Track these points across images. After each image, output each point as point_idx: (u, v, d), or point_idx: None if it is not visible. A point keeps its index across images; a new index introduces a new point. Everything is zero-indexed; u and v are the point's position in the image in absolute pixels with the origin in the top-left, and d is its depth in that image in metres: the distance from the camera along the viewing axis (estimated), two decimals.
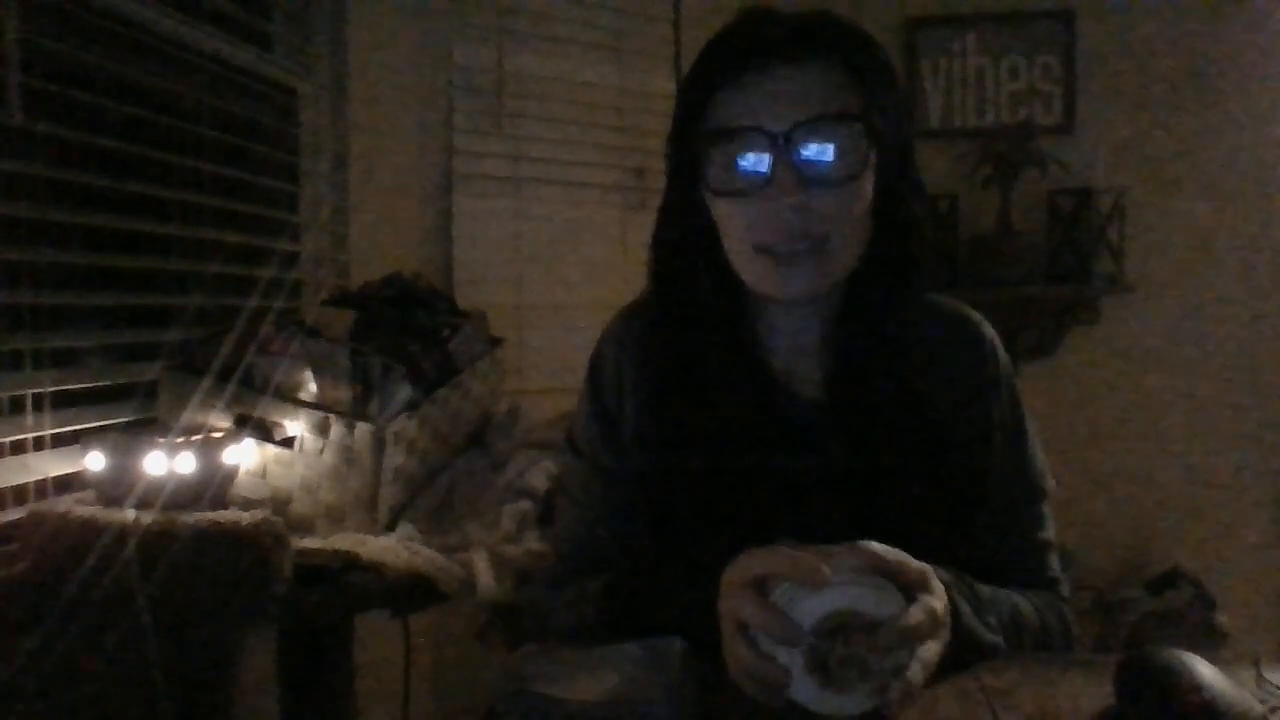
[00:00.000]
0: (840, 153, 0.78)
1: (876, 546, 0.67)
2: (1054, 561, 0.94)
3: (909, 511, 0.83)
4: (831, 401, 0.87)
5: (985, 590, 0.81)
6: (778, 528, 0.76)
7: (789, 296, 0.82)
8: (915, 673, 0.65)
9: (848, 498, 0.83)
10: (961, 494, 0.86)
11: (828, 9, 0.82)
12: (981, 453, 0.88)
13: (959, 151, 2.60)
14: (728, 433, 0.85)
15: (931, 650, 0.66)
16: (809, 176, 0.77)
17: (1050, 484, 0.94)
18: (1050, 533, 0.93)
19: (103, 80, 1.20)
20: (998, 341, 0.92)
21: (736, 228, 0.82)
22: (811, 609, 0.64)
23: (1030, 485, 0.93)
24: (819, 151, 0.78)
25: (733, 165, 0.80)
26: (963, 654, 0.74)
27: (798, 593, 0.65)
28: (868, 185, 0.81)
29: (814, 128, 0.77)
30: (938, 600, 0.68)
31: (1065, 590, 0.93)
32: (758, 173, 0.79)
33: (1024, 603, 0.86)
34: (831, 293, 0.85)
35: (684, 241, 0.87)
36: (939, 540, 0.80)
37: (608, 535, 0.93)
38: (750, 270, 0.83)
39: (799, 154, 0.77)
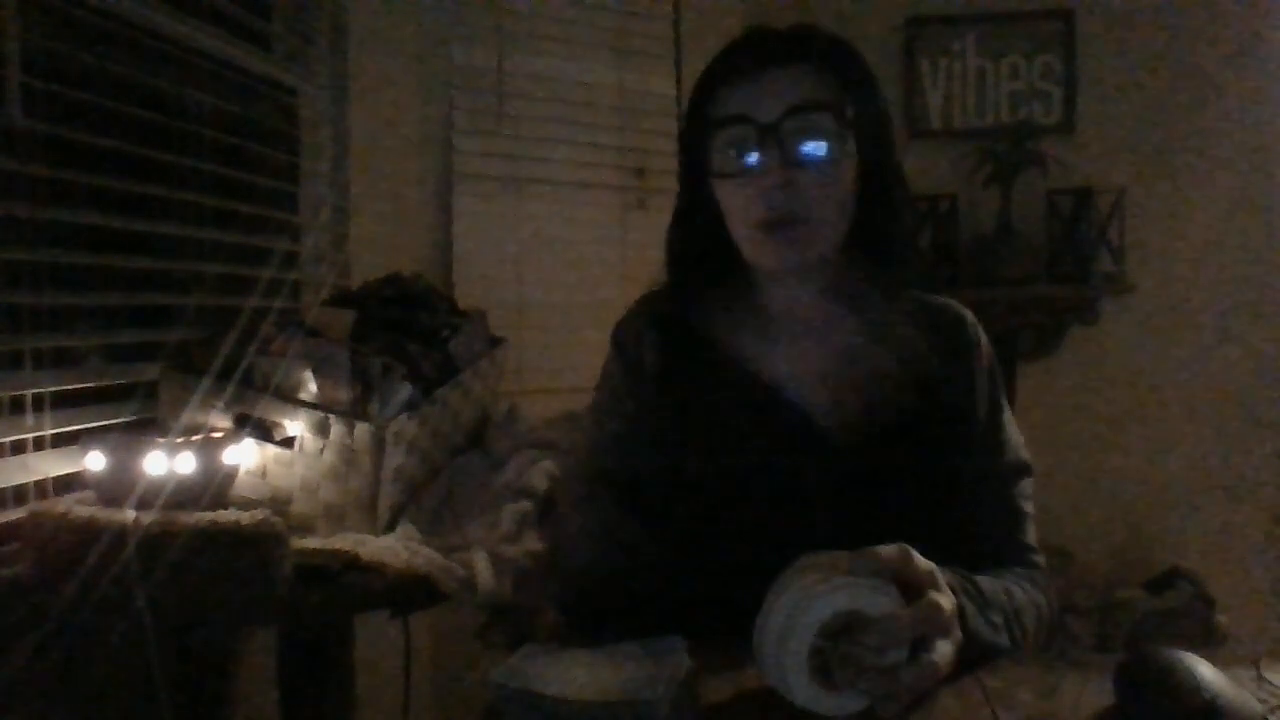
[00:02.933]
0: (821, 138, 0.89)
1: (884, 549, 0.69)
2: (1032, 532, 0.98)
3: (897, 466, 0.90)
4: (823, 369, 0.94)
5: (987, 586, 0.82)
6: (779, 475, 0.89)
7: (779, 267, 0.92)
8: (927, 671, 0.65)
9: (840, 453, 0.90)
10: (946, 453, 0.92)
11: (813, 23, 0.94)
12: (964, 422, 0.95)
13: (959, 151, 2.60)
14: (732, 393, 0.94)
15: (944, 651, 0.67)
16: (794, 160, 0.88)
17: (1027, 458, 0.99)
18: (1028, 505, 0.98)
19: (103, 80, 1.20)
20: (980, 327, 1.00)
21: (736, 207, 0.92)
22: (818, 609, 0.64)
23: (1008, 460, 0.97)
24: (804, 139, 0.88)
25: (731, 151, 0.91)
26: (968, 655, 0.74)
27: (806, 595, 0.65)
28: (848, 169, 0.91)
29: (798, 118, 0.88)
30: (944, 598, 0.69)
31: (1041, 560, 0.97)
32: (751, 157, 0.89)
33: (1018, 590, 0.89)
34: (819, 268, 0.94)
35: (696, 227, 0.97)
36: (922, 499, 0.88)
37: (626, 507, 0.95)
38: (748, 246, 0.93)
39: (786, 141, 0.87)
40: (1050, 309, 2.64)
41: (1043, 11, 2.70)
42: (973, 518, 0.93)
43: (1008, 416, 0.99)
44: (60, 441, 1.10)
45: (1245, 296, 2.66)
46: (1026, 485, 0.98)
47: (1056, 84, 2.70)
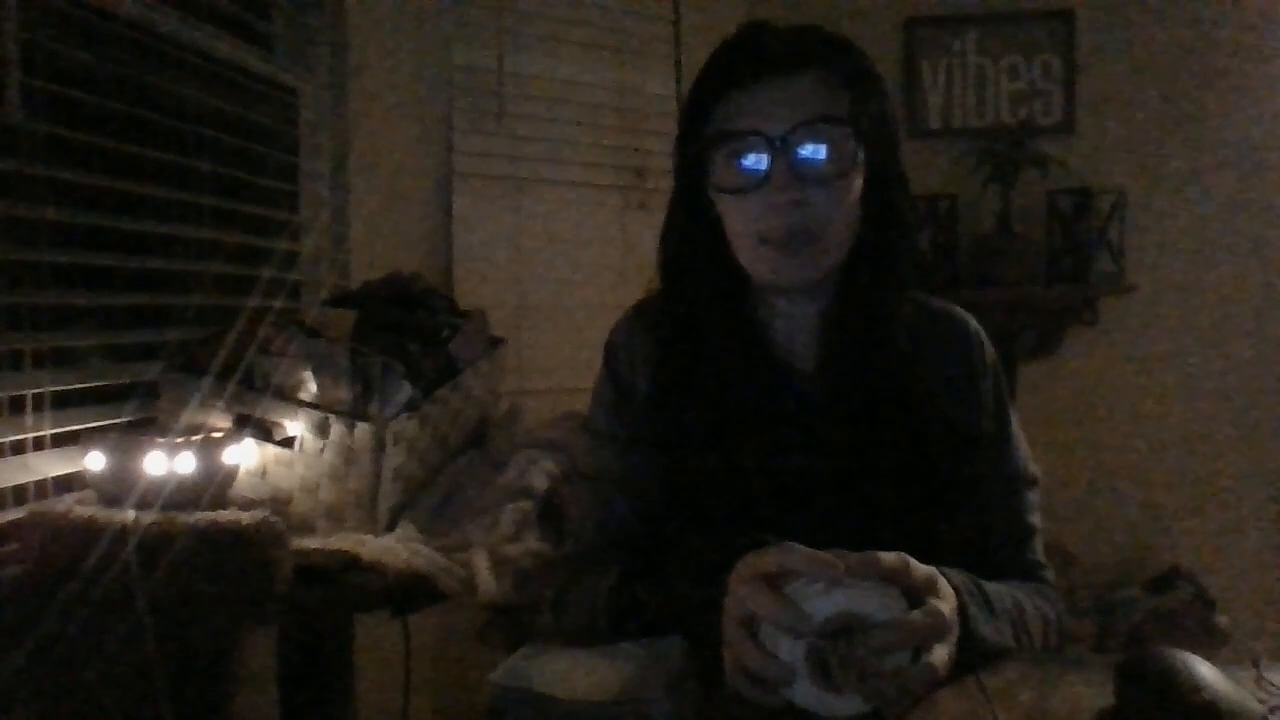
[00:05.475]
0: (831, 152, 0.85)
1: (884, 555, 0.68)
2: (1039, 547, 0.97)
3: (899, 478, 0.87)
4: (825, 375, 0.92)
5: (993, 592, 0.82)
6: (776, 488, 0.85)
7: (789, 284, 0.89)
8: (923, 676, 0.65)
9: (841, 463, 0.88)
10: (948, 465, 0.89)
11: (817, 24, 0.89)
12: (968, 431, 0.92)
13: (959, 151, 2.60)
14: (731, 401, 0.91)
15: (941, 655, 0.67)
16: (804, 174, 0.84)
17: (1036, 470, 0.97)
18: (1036, 519, 0.97)
19: (103, 80, 1.20)
20: (984, 335, 0.98)
21: (740, 222, 0.88)
22: (817, 609, 0.64)
23: (1016, 472, 0.96)
24: (812, 151, 0.84)
25: (735, 165, 0.87)
26: (973, 658, 0.74)
27: (804, 593, 0.65)
28: (857, 181, 0.87)
29: (807, 130, 0.84)
30: (944, 604, 0.69)
31: (1050, 575, 0.96)
32: (758, 171, 0.86)
33: (1025, 599, 0.88)
34: (826, 280, 0.91)
35: (691, 236, 0.94)
36: (926, 510, 0.86)
37: (626, 508, 0.96)
38: (753, 261, 0.89)
39: (795, 154, 0.84)
40: (1050, 309, 2.64)
41: (1043, 11, 2.70)
42: (981, 530, 0.91)
43: (1016, 428, 0.97)
44: (60, 441, 1.10)
45: (1245, 296, 2.66)
46: (1034, 498, 0.96)
47: (1056, 84, 2.70)
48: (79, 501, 0.99)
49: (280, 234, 1.60)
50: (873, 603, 0.65)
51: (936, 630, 0.67)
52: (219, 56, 1.45)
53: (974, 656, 0.75)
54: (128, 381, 1.22)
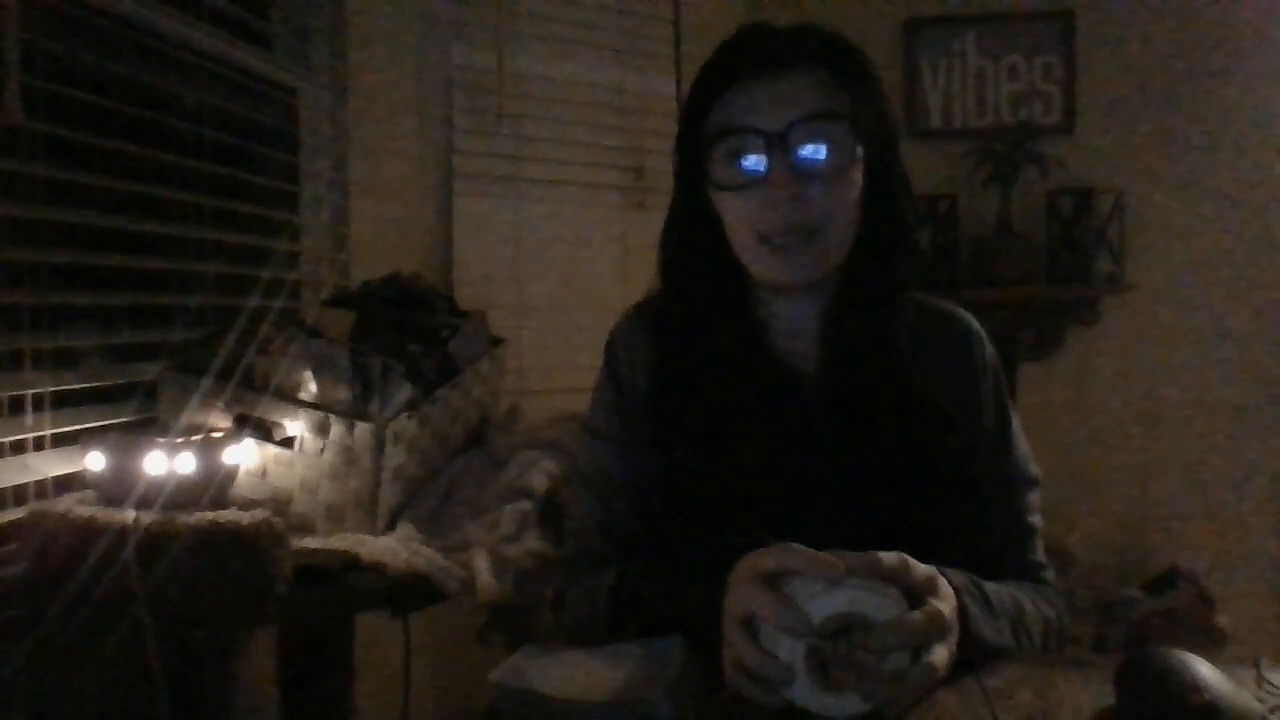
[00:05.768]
0: (830, 149, 0.85)
1: (884, 555, 0.68)
2: (1040, 547, 0.97)
3: (899, 478, 0.87)
4: (825, 375, 0.92)
5: (993, 592, 0.82)
6: (777, 488, 0.85)
7: (789, 282, 0.89)
8: (923, 676, 0.65)
9: (842, 463, 0.88)
10: (949, 465, 0.90)
11: (815, 23, 0.89)
12: (969, 431, 0.92)
13: (959, 151, 2.60)
14: (731, 401, 0.91)
15: (940, 655, 0.67)
16: (802, 171, 0.84)
17: (1036, 471, 0.97)
18: (1037, 519, 0.97)
19: (103, 80, 1.20)
20: (984, 335, 0.98)
21: (739, 220, 0.88)
22: (817, 609, 0.64)
23: (1017, 473, 0.96)
24: (811, 149, 0.85)
25: (734, 162, 0.87)
26: (973, 658, 0.74)
27: (804, 593, 0.65)
28: (856, 178, 0.87)
29: (805, 126, 0.84)
30: (944, 604, 0.69)
31: (1051, 576, 0.96)
32: (757, 169, 0.85)
33: (1026, 599, 0.88)
34: (827, 279, 0.91)
35: (691, 236, 0.94)
36: (927, 510, 0.86)
37: (625, 508, 0.96)
38: (753, 259, 0.89)
39: (793, 151, 0.84)
40: (1050, 309, 2.64)
41: (1043, 11, 2.70)
42: (981, 530, 0.91)
43: (1016, 428, 0.97)
44: (60, 441, 1.10)
45: (1245, 296, 2.66)
46: (1034, 499, 0.96)
47: (1056, 84, 2.70)
48: (79, 501, 0.99)
49: (280, 234, 1.60)
50: (872, 603, 0.65)
51: (936, 630, 0.67)
52: (219, 56, 1.45)
53: (974, 657, 0.75)
54: (128, 381, 1.22)
